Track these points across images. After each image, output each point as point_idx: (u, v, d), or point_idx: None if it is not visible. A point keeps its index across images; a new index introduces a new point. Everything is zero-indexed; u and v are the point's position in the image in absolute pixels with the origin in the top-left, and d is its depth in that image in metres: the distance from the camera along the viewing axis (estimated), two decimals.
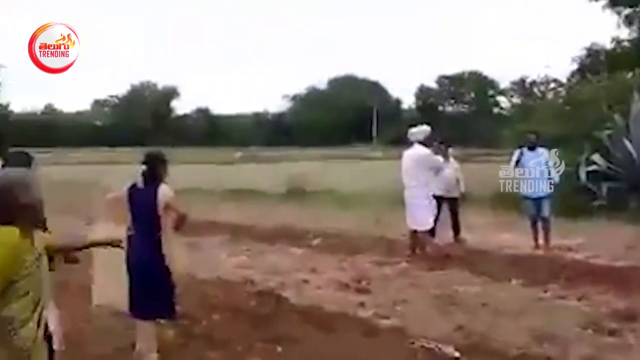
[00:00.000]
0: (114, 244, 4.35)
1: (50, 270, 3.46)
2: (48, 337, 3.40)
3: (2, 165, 4.81)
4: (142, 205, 5.48)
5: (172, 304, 5.72)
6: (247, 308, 7.34)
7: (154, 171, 5.62)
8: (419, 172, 9.96)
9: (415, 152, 10.06)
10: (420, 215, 9.98)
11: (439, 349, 5.98)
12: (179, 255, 5.69)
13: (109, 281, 5.56)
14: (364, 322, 6.90)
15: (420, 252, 10.14)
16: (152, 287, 5.51)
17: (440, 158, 10.44)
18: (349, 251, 10.87)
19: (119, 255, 5.23)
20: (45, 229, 4.00)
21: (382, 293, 8.17)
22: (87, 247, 4.19)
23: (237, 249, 11.34)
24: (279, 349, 5.93)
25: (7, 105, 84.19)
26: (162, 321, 5.92)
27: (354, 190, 20.16)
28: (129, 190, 5.60)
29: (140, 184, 5.59)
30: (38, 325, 3.25)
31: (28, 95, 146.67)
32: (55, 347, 4.39)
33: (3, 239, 3.11)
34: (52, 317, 4.47)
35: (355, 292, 8.24)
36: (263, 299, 7.64)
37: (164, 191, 5.52)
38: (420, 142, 10.09)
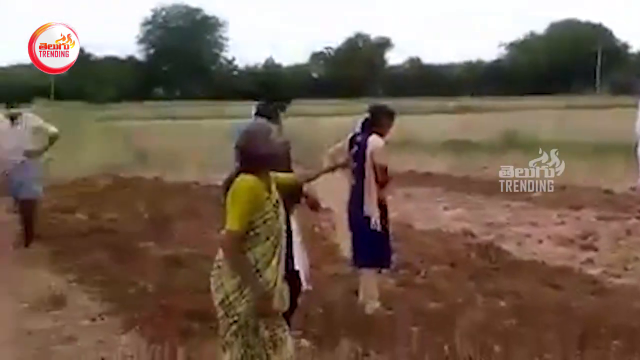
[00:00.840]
0: (337, 167, 4.67)
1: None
2: (292, 277, 3.61)
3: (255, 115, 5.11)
4: (356, 155, 5.53)
5: (388, 253, 5.81)
6: (466, 260, 7.28)
7: (373, 121, 5.70)
8: None
9: None
10: None
11: None
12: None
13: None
14: (592, 279, 6.58)
15: None
16: (366, 237, 5.62)
17: None
18: (571, 205, 10.39)
19: None
20: None
21: (611, 250, 7.74)
22: (315, 177, 4.36)
23: (454, 201, 11.25)
24: (502, 303, 5.82)
25: (232, 61, 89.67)
26: (383, 270, 6.04)
27: (575, 140, 19.08)
28: (350, 140, 5.73)
29: (358, 132, 5.70)
30: (278, 269, 3.47)
31: (250, 50, 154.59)
32: (303, 286, 4.69)
33: (243, 184, 3.34)
34: (300, 258, 4.78)
35: (581, 249, 7.88)
36: (482, 252, 7.54)
37: (372, 140, 5.59)
38: None
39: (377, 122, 5.72)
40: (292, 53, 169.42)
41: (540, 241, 8.29)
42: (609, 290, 6.23)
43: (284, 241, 3.55)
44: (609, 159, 13.74)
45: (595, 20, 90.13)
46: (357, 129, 5.73)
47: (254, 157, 3.42)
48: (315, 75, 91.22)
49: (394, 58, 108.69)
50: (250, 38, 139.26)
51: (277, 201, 3.50)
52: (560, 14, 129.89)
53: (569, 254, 7.63)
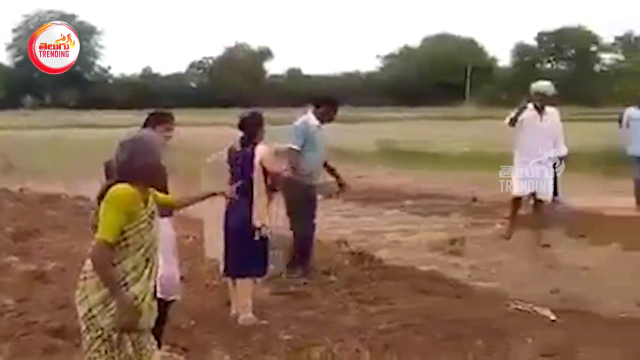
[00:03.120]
0: (218, 194, 4.51)
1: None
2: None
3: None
4: (240, 166, 5.60)
5: (265, 262, 5.81)
6: (341, 268, 7.35)
7: (250, 133, 5.73)
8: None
9: None
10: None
11: (535, 311, 5.86)
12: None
13: (218, 236, 5.72)
14: (458, 283, 6.85)
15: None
16: (244, 246, 5.61)
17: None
18: (442, 213, 10.75)
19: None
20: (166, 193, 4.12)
21: (476, 255, 8.05)
22: (194, 202, 4.25)
23: (330, 209, 11.35)
24: (372, 309, 5.94)
25: (107, 69, 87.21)
26: (258, 280, 6.01)
27: (447, 150, 19.87)
28: (228, 152, 5.73)
29: (238, 146, 5.71)
30: (148, 283, 3.36)
31: (127, 59, 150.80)
32: (169, 296, 4.58)
33: (119, 193, 3.23)
34: (169, 267, 4.68)
35: (449, 254, 8.16)
36: (356, 259, 7.65)
37: (260, 150, 5.62)
38: None
39: (251, 132, 5.75)
40: (170, 63, 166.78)
41: (412, 248, 8.51)
42: (474, 292, 6.53)
43: (157, 255, 3.45)
44: (476, 167, 14.39)
45: (467, 34, 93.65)
46: (237, 146, 5.74)
47: (133, 169, 3.30)
48: (193, 84, 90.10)
49: (275, 68, 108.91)
50: (128, 47, 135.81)
51: (152, 212, 3.39)
52: (435, 28, 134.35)
53: (438, 259, 7.88)
